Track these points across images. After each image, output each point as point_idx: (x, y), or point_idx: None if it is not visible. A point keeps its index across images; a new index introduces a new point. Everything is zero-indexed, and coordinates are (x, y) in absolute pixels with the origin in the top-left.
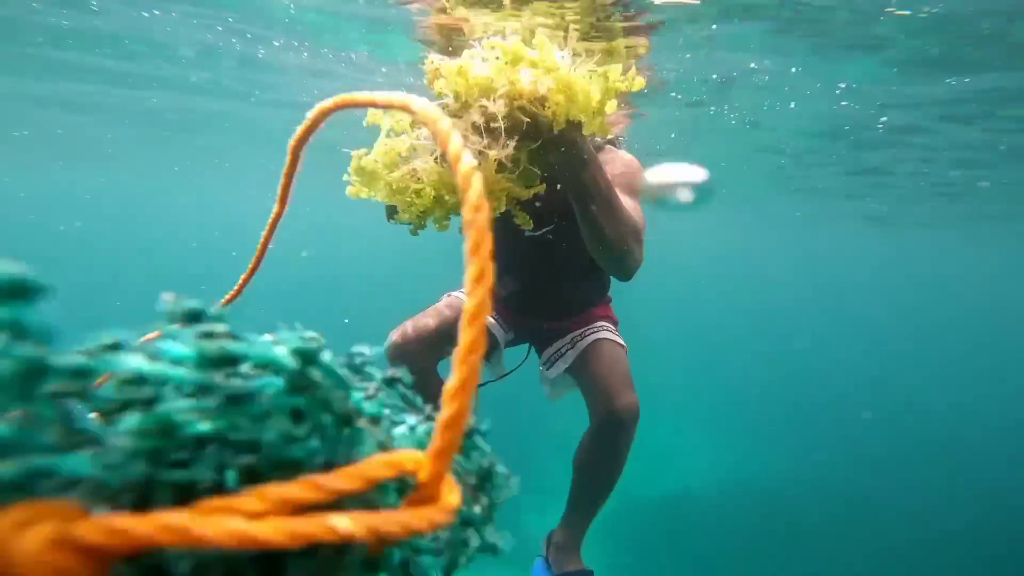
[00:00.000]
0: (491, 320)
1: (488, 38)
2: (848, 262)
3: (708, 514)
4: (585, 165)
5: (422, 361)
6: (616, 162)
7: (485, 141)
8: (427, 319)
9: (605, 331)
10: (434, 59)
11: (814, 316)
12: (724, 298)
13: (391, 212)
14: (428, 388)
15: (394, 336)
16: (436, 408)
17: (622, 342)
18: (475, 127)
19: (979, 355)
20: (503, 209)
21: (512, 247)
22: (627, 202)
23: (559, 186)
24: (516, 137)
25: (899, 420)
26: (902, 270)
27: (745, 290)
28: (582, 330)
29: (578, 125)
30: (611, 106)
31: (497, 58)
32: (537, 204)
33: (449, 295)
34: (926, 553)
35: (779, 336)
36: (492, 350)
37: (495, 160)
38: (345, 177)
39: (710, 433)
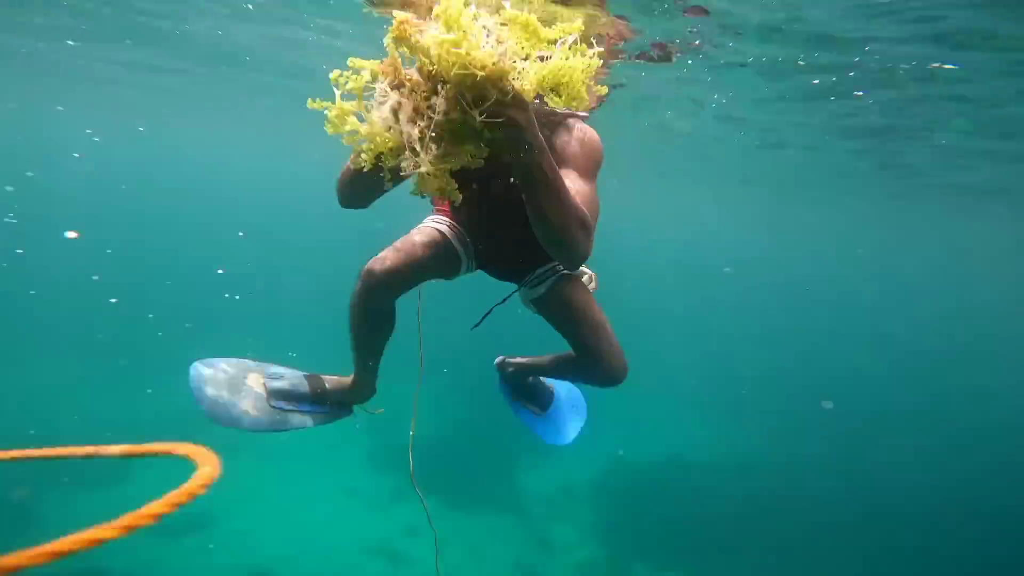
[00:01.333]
0: (458, 248)
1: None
2: (844, 236)
3: (697, 480)
4: (530, 150)
5: (392, 293)
6: (573, 140)
7: (418, 129)
8: (405, 248)
9: (581, 278)
10: (412, 19)
11: (811, 295)
12: (719, 273)
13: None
14: (384, 330)
15: (374, 265)
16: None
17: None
18: (417, 108)
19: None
20: (430, 190)
21: (474, 205)
22: (580, 187)
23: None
24: (465, 106)
25: (885, 401)
26: (899, 248)
27: (742, 266)
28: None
29: (523, 104)
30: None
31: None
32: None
33: (422, 225)
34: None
35: (774, 314)
36: (452, 274)
37: (427, 163)
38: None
39: (702, 404)
